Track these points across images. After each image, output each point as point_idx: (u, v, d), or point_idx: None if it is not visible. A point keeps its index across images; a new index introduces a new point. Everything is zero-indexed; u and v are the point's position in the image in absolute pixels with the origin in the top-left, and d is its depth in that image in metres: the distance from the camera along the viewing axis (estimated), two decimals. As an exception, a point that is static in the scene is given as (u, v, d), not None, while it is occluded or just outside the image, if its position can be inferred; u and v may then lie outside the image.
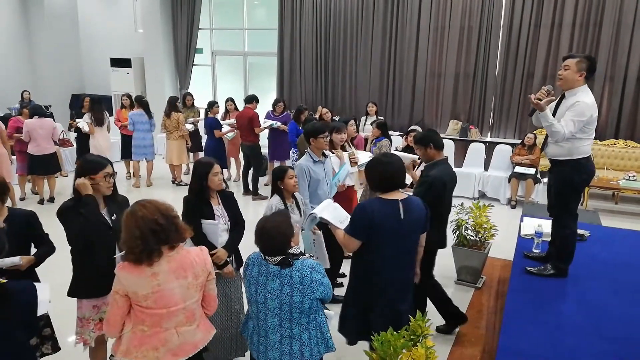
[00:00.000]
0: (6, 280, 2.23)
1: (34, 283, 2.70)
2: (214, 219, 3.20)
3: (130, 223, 2.18)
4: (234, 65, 11.56)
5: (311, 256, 2.66)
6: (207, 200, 3.21)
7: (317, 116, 7.64)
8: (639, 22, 7.44)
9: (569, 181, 3.55)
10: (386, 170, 2.83)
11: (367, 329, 2.77)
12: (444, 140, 8.46)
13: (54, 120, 7.96)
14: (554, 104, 3.63)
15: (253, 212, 7.03)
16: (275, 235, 2.44)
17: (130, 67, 11.52)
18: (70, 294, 2.96)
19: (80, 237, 2.78)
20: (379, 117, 8.19)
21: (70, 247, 2.88)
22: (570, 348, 2.93)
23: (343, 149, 4.96)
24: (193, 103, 9.05)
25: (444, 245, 4.00)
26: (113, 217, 2.90)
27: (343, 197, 4.63)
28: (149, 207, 2.21)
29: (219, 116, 8.43)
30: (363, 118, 8.47)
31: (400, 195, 2.85)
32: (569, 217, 3.67)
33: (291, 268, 2.44)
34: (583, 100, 3.34)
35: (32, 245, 3.08)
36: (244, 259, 3.46)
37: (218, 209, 3.26)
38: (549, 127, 3.41)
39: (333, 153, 4.76)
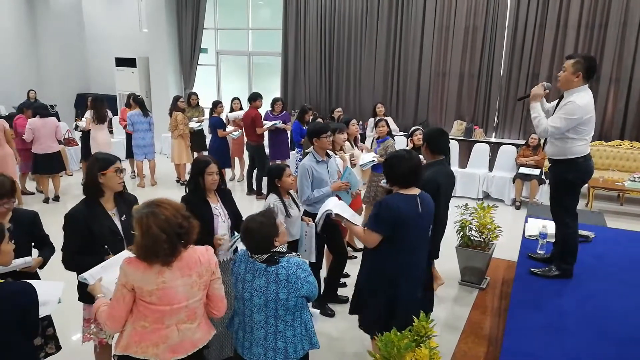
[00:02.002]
0: (3, 281, 2.23)
1: (45, 282, 2.72)
2: (212, 217, 3.24)
3: (153, 226, 2.13)
4: (238, 65, 11.58)
5: (298, 255, 2.67)
6: (204, 198, 3.25)
7: (334, 116, 7.67)
8: (644, 22, 7.41)
9: (563, 179, 3.61)
10: (409, 166, 2.95)
11: (391, 318, 2.95)
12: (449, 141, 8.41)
13: (58, 119, 8.00)
14: (555, 102, 3.66)
15: (257, 211, 7.03)
16: (258, 235, 2.48)
17: (135, 66, 11.55)
18: (83, 299, 2.95)
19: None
20: (385, 118, 8.15)
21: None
22: (575, 349, 2.91)
23: (342, 149, 4.97)
24: (198, 102, 9.07)
25: (436, 256, 3.91)
26: (122, 218, 2.90)
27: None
28: (170, 209, 2.18)
29: (223, 115, 8.43)
30: (371, 120, 8.36)
31: (416, 190, 3.00)
32: (567, 215, 3.70)
33: (277, 265, 2.46)
34: (575, 101, 3.39)
35: (32, 245, 3.08)
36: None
37: (216, 206, 3.30)
38: (534, 119, 3.55)
39: (337, 154, 4.76)
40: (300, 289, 2.46)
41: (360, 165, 5.38)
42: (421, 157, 4.38)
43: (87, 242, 2.78)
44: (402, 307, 2.97)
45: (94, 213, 2.83)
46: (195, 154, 8.64)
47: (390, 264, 2.97)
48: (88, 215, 2.81)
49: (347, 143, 5.08)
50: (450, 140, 7.25)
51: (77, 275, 2.92)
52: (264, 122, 7.87)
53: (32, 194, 7.81)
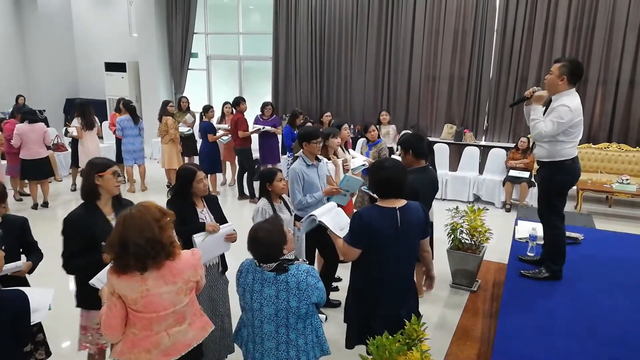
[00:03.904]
0: None
1: (35, 289, 2.71)
2: (197, 222, 3.22)
3: (115, 238, 2.14)
4: (229, 69, 11.56)
5: (304, 260, 2.65)
6: (191, 204, 3.24)
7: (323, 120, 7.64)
8: (631, 24, 7.50)
9: (550, 181, 3.65)
10: (388, 175, 2.78)
11: (368, 334, 2.72)
12: (439, 144, 8.46)
13: (47, 124, 7.93)
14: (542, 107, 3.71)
15: (249, 215, 7.02)
16: (267, 245, 2.44)
17: (125, 71, 11.48)
18: (82, 305, 2.93)
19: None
20: (391, 126, 8.06)
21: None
22: (565, 351, 2.93)
23: (335, 154, 4.97)
24: (188, 106, 9.05)
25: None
26: None
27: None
28: (141, 223, 2.14)
29: (214, 120, 8.42)
30: (377, 127, 8.15)
31: (398, 202, 2.81)
32: (554, 217, 3.73)
33: (287, 273, 2.43)
34: (564, 104, 3.42)
35: (21, 251, 3.06)
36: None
37: (202, 211, 3.29)
38: (532, 122, 3.53)
39: (330, 160, 4.77)
40: (311, 296, 2.43)
41: (352, 170, 5.39)
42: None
43: (88, 245, 2.77)
44: (379, 325, 2.77)
45: (93, 216, 2.84)
46: (187, 159, 8.63)
47: (368, 280, 2.85)
48: (87, 219, 2.82)
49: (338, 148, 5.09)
50: (437, 143, 7.23)
51: (75, 278, 2.91)
52: (254, 125, 7.88)
53: (20, 200, 7.73)
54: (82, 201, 2.91)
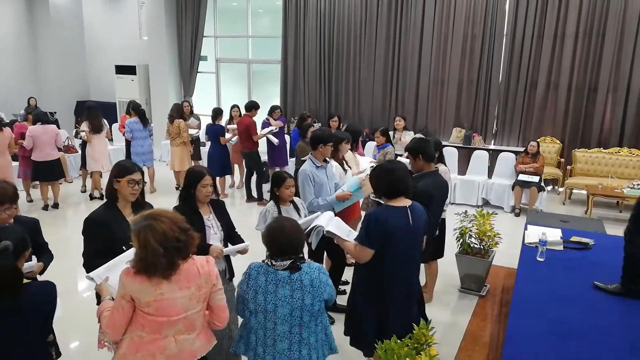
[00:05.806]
0: (30, 281, 2.27)
1: None
2: (204, 229, 3.14)
3: (150, 239, 2.11)
4: (238, 72, 11.62)
5: (310, 258, 2.67)
6: (196, 209, 3.15)
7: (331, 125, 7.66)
8: (642, 30, 7.46)
9: None
10: (391, 177, 2.87)
11: (384, 337, 2.73)
12: (448, 148, 8.42)
13: (58, 126, 8.01)
14: None
15: (257, 218, 7.02)
16: (292, 235, 2.48)
17: (135, 74, 11.59)
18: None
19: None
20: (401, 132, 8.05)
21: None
22: (576, 357, 2.91)
23: (343, 158, 4.99)
24: (192, 111, 9.10)
25: (425, 260, 3.97)
26: None
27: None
28: (168, 222, 2.15)
29: (222, 122, 8.45)
30: (390, 133, 8.03)
31: (406, 202, 2.90)
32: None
33: (300, 272, 2.46)
34: None
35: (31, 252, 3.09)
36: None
37: (209, 218, 3.21)
38: None
39: (350, 169, 4.82)
40: (324, 293, 2.48)
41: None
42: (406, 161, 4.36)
43: (108, 245, 2.80)
44: (394, 325, 2.83)
45: (113, 217, 2.89)
46: (194, 163, 8.66)
47: (382, 280, 2.88)
48: (107, 219, 2.86)
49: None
50: (445, 147, 7.17)
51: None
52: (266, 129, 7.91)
53: (31, 201, 7.83)
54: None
